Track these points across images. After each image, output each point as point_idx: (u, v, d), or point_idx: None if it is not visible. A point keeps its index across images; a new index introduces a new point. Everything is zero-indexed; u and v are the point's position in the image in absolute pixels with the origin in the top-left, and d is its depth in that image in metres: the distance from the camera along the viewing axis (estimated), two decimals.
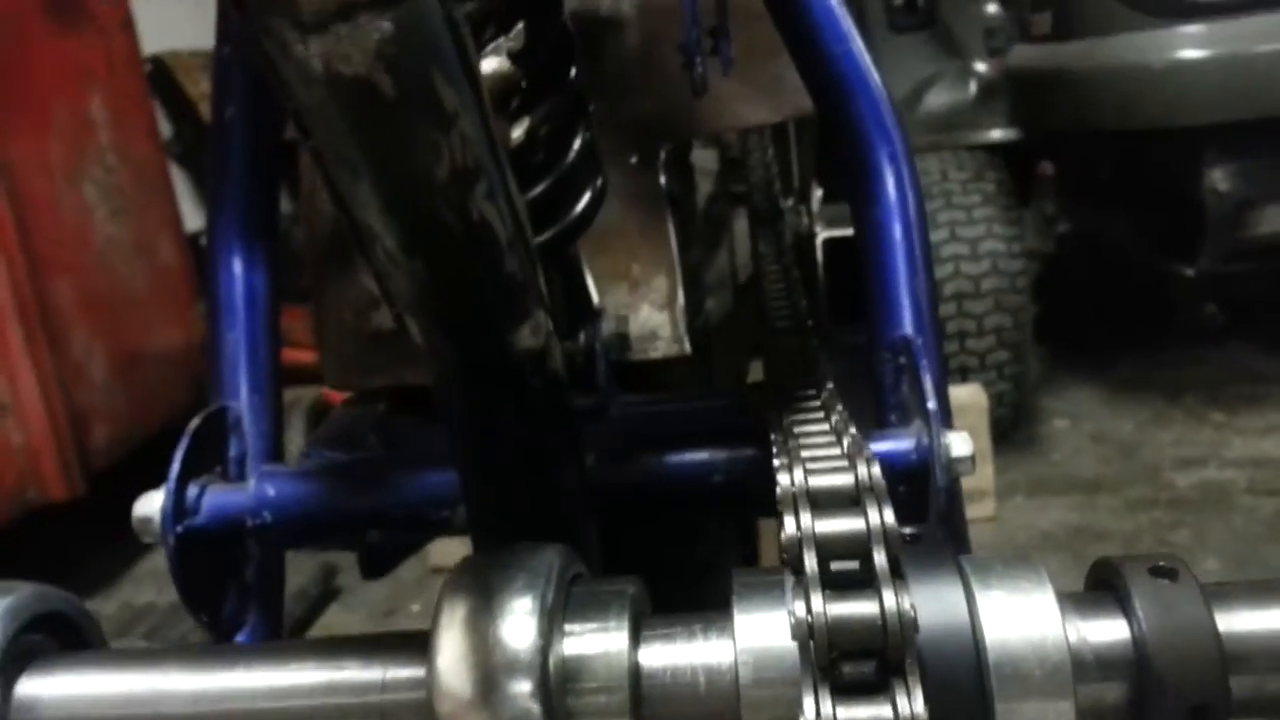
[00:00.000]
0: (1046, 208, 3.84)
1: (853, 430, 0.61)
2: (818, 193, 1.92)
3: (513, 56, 0.66)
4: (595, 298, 0.97)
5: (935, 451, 0.74)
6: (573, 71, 0.72)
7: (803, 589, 0.44)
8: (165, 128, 4.17)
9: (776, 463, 0.54)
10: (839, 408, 0.69)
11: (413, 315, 0.58)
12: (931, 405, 0.76)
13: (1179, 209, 3.10)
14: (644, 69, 1.03)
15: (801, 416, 0.71)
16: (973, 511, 2.97)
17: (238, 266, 0.93)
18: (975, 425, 2.98)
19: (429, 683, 0.49)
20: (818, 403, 0.75)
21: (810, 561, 0.44)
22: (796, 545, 0.45)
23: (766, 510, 0.86)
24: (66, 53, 3.12)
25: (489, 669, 0.48)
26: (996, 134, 3.75)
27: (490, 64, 0.65)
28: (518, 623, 0.49)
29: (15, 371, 2.75)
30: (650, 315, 1.01)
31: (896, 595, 0.42)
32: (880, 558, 0.44)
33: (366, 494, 0.84)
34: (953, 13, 3.97)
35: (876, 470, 0.49)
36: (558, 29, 0.70)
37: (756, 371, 1.56)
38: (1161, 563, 0.47)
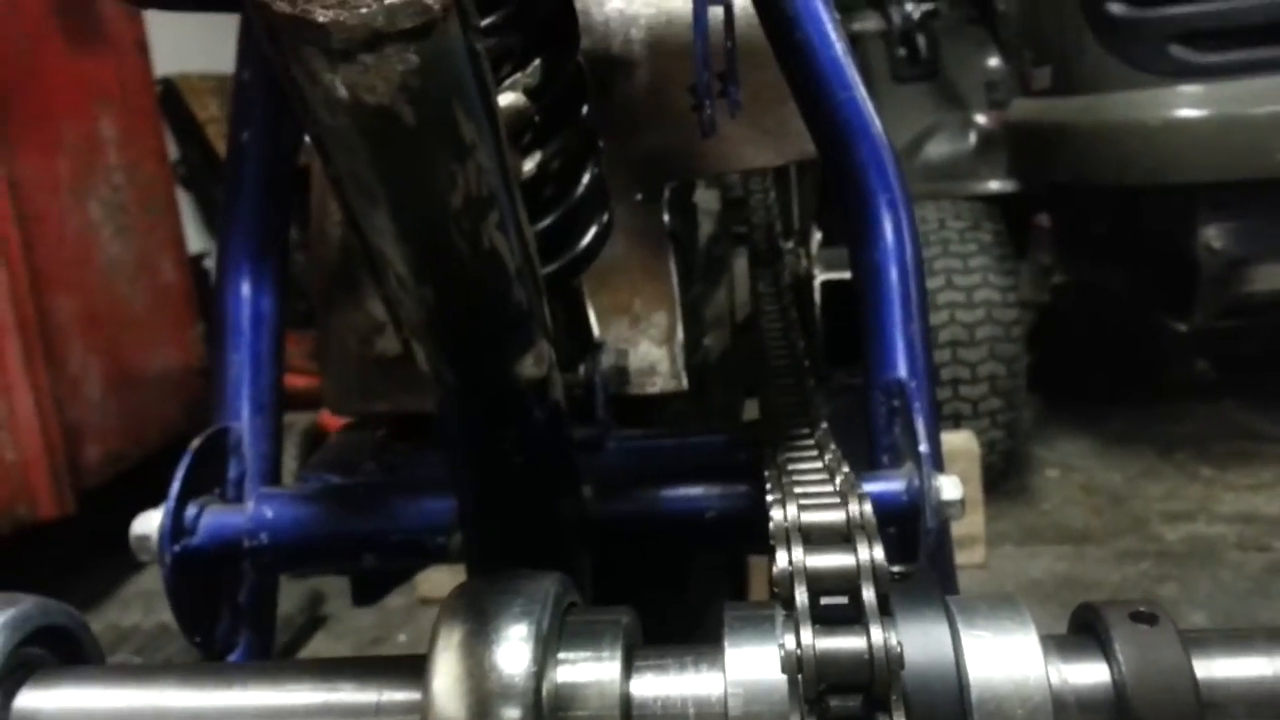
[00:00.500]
0: (1042, 259, 3.88)
1: (845, 469, 0.62)
2: (817, 235, 1.95)
3: (528, 92, 0.68)
4: (596, 331, 0.99)
5: (926, 494, 0.75)
6: (585, 108, 0.74)
7: (793, 623, 0.45)
8: (172, 149, 4.20)
9: (770, 499, 0.56)
10: (832, 447, 0.70)
11: (420, 340, 0.59)
12: (923, 448, 0.77)
13: (1173, 265, 3.13)
14: (652, 108, 1.05)
15: (795, 455, 0.72)
16: (963, 558, 2.97)
17: (246, 289, 0.94)
18: (967, 472, 2.98)
19: (424, 706, 0.50)
20: (811, 442, 0.76)
21: (801, 596, 0.45)
22: (788, 580, 0.46)
23: (758, 547, 0.87)
24: (81, 71, 3.14)
25: (483, 694, 0.49)
26: (995, 185, 3.80)
27: (507, 98, 0.67)
28: (513, 649, 0.50)
29: (11, 386, 2.75)
30: (649, 350, 1.02)
31: (884, 632, 0.43)
32: (869, 594, 0.45)
33: (364, 519, 0.85)
34: (955, 65, 4.03)
35: (868, 508, 0.50)
36: (572, 67, 0.72)
37: (752, 409, 1.57)
38: (1142, 608, 0.48)
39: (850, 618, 0.46)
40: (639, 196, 1.04)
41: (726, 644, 0.49)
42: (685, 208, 1.27)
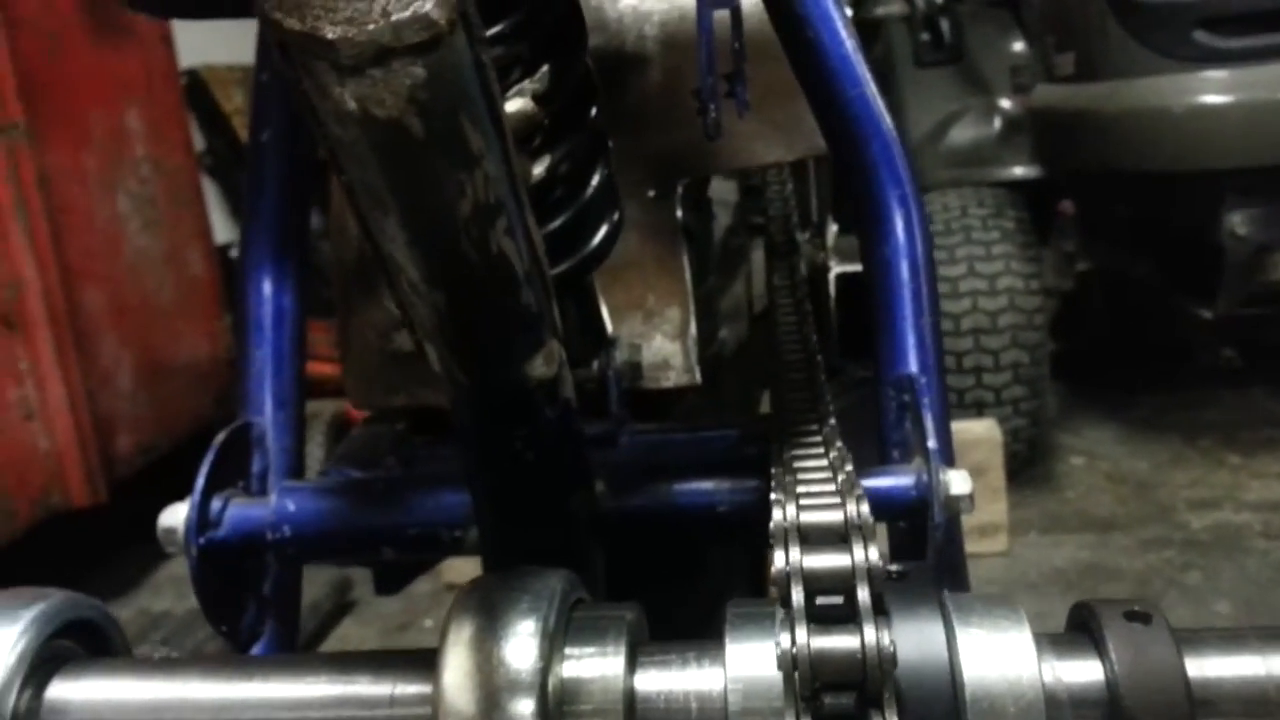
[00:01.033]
0: (1066, 246, 3.85)
1: (848, 467, 0.63)
2: (833, 228, 1.95)
3: (536, 98, 0.69)
4: (609, 326, 1.00)
5: (934, 489, 0.76)
6: (593, 110, 0.75)
7: (789, 622, 0.46)
8: (198, 140, 4.25)
9: (772, 497, 0.57)
10: (837, 444, 0.71)
11: (432, 343, 0.60)
12: (932, 443, 0.78)
13: (1197, 252, 3.10)
14: (664, 105, 1.05)
15: (802, 451, 0.73)
16: (985, 546, 2.97)
17: (268, 286, 0.97)
18: (990, 460, 2.98)
19: (435, 699, 0.51)
20: (819, 437, 0.77)
21: (797, 595, 0.46)
22: (784, 579, 0.47)
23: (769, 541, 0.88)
24: (107, 65, 3.18)
25: (492, 688, 0.50)
26: (1019, 171, 3.76)
27: (515, 105, 0.68)
28: (521, 644, 0.51)
29: (43, 377, 2.80)
30: (663, 345, 1.03)
31: (877, 630, 0.45)
32: (863, 594, 0.46)
33: (383, 513, 0.87)
34: (979, 49, 3.99)
35: (865, 508, 0.51)
36: (580, 71, 0.73)
37: (769, 402, 1.58)
38: (1136, 607, 0.48)
39: (847, 616, 0.47)
40: (651, 193, 1.05)
41: (728, 641, 0.50)
42: (699, 202, 1.27)
